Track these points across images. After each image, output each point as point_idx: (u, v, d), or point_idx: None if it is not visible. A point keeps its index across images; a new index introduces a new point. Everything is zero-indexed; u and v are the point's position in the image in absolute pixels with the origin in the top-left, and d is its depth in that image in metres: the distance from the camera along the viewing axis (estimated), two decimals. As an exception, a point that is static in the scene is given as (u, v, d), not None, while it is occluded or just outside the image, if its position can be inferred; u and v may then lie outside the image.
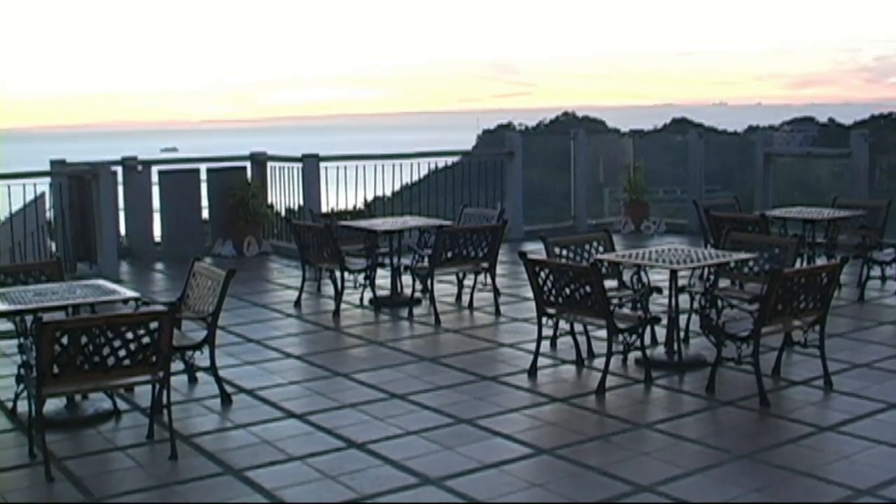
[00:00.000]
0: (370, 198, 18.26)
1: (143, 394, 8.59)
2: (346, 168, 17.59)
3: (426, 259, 12.23)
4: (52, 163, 16.47)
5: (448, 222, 13.28)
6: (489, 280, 12.27)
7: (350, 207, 16.65)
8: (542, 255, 10.24)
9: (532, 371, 9.34)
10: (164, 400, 7.49)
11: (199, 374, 9.06)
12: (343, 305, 12.29)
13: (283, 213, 18.09)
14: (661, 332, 9.96)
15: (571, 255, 10.44)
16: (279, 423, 8.12)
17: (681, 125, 37.38)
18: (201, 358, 8.67)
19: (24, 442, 7.72)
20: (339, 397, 8.77)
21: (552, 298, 9.16)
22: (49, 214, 16.43)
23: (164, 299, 11.65)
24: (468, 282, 12.63)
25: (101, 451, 7.74)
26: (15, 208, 15.69)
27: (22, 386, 8.25)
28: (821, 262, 12.46)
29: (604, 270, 9.63)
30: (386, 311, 12.37)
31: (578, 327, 9.62)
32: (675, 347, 9.46)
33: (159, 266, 16.52)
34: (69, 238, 15.94)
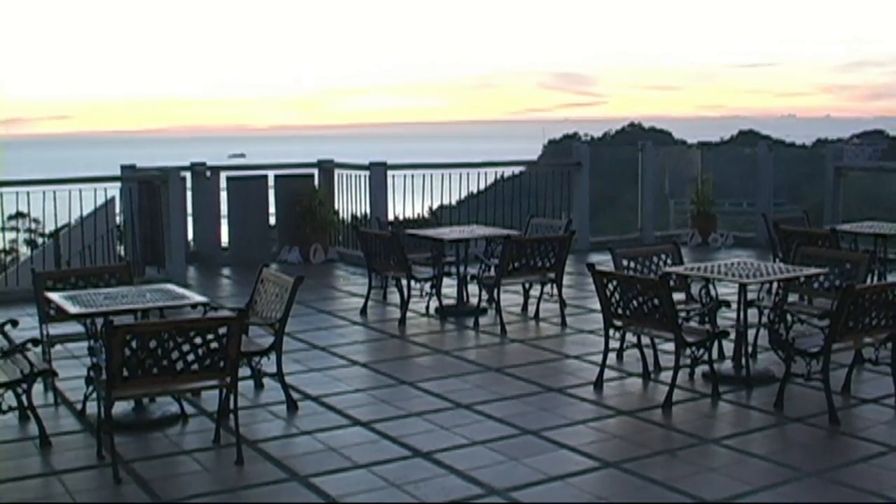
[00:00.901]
0: (435, 206, 18.28)
1: (210, 398, 8.63)
2: (413, 176, 17.60)
3: (493, 269, 12.21)
4: (123, 168, 16.66)
5: (515, 232, 13.25)
6: (555, 291, 12.21)
7: (415, 216, 16.68)
8: (610, 267, 10.19)
9: (598, 383, 9.29)
10: (231, 405, 7.53)
11: (266, 380, 9.10)
12: (409, 314, 12.29)
13: (349, 220, 18.15)
14: (728, 347, 9.85)
15: (639, 267, 10.38)
16: (345, 431, 8.13)
17: (749, 137, 37.19)
18: (268, 364, 8.70)
19: (92, 443, 7.80)
20: (405, 406, 8.77)
21: (619, 310, 9.10)
22: (118, 219, 16.61)
23: (230, 305, 11.73)
24: (534, 292, 12.59)
25: (168, 454, 7.79)
26: (86, 212, 15.89)
27: (91, 388, 8.32)
28: (892, 278, 12.29)
29: (672, 283, 9.55)
30: (451, 321, 12.35)
31: (645, 340, 9.56)
32: (743, 362, 9.37)
33: (226, 271, 16.63)
34: (138, 242, 16.10)
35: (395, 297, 12.93)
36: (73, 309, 7.95)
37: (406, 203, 17.48)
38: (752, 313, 10.09)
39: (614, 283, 9.11)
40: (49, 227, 16.98)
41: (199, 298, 8.46)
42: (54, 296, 8.51)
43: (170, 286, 9.06)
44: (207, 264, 16.83)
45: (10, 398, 7.88)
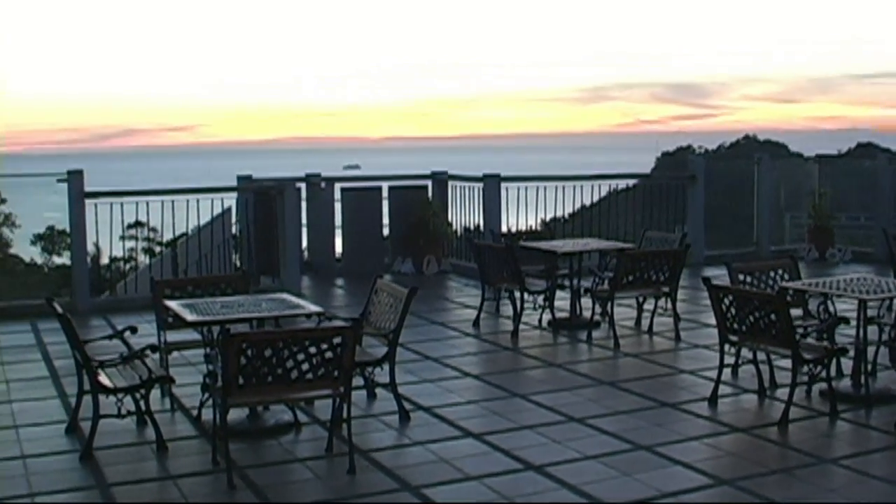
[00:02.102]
0: (547, 218, 18.24)
1: (322, 407, 8.70)
2: (527, 188, 17.58)
3: (606, 282, 12.14)
4: (239, 178, 16.91)
5: (629, 245, 13.16)
6: (670, 305, 12.10)
7: (527, 228, 16.66)
8: (725, 281, 10.06)
9: (713, 399, 9.17)
10: (345, 414, 7.57)
11: (378, 390, 9.14)
12: (521, 326, 12.26)
13: (461, 231, 18.19)
14: (847, 364, 9.67)
15: (755, 281, 10.24)
16: (456, 442, 8.13)
17: (868, 150, 36.54)
18: (381, 374, 8.75)
19: (207, 449, 7.90)
20: (517, 418, 8.74)
21: (735, 326, 8.98)
22: (234, 228, 16.84)
23: (343, 315, 11.80)
24: (648, 306, 12.50)
25: (281, 461, 7.87)
26: (203, 222, 16.13)
27: (207, 395, 8.46)
28: None
29: (789, 298, 9.40)
30: (564, 334, 12.30)
31: (761, 356, 9.43)
32: (863, 380, 9.18)
33: (339, 282, 16.78)
34: (253, 252, 16.30)
35: (507, 309, 12.91)
36: (190, 317, 8.06)
37: (518, 215, 17.48)
38: (872, 330, 9.87)
39: (730, 297, 8.99)
40: (167, 237, 17.26)
41: (313, 308, 8.52)
42: (172, 304, 8.65)
43: (285, 296, 9.15)
44: (321, 274, 16.98)
45: (128, 403, 8.04)
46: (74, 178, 14.19)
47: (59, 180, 14.21)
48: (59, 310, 8.20)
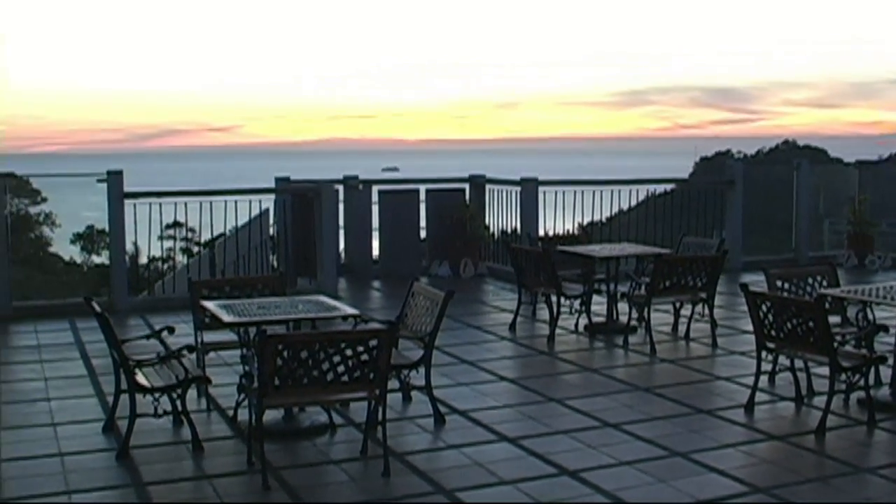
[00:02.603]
0: (584, 222, 18.22)
1: (357, 409, 8.71)
2: (564, 193, 17.57)
3: (643, 287, 12.10)
4: (277, 180, 16.97)
5: (666, 251, 13.11)
6: (706, 311, 12.05)
7: (563, 232, 16.63)
8: (763, 287, 10.00)
9: (749, 406, 9.12)
10: (380, 417, 7.58)
11: (413, 393, 9.15)
12: (557, 330, 12.24)
13: (498, 235, 18.18)
14: (886, 373, 9.61)
15: (793, 288, 10.18)
16: (491, 446, 8.12)
17: (909, 155, 36.29)
18: (416, 377, 8.76)
19: (242, 450, 7.93)
20: (552, 423, 8.72)
21: (773, 332, 8.93)
22: (272, 230, 16.91)
23: (380, 317, 11.83)
24: (685, 312, 12.45)
25: (316, 463, 7.89)
26: (240, 223, 16.21)
27: (243, 395, 8.50)
28: None
29: (827, 306, 9.34)
30: (601, 338, 12.28)
31: (798, 363, 9.36)
32: (901, 389, 9.11)
33: (376, 284, 16.81)
34: (290, 253, 16.37)
35: (543, 313, 12.90)
36: (227, 318, 8.09)
37: (555, 219, 17.45)
38: (911, 339, 9.83)
39: (768, 304, 8.94)
40: (204, 237, 17.34)
41: (350, 311, 8.54)
42: (209, 304, 8.68)
43: (322, 298, 9.17)
44: (358, 276, 17.02)
45: (165, 402, 8.08)
46: (114, 179, 14.29)
47: (98, 180, 14.31)
48: (98, 309, 8.25)
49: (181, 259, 20.84)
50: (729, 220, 18.40)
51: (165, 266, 20.73)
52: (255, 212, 16.39)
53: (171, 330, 8.87)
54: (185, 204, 15.30)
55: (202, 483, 7.46)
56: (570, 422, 8.76)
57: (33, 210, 44.07)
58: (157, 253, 18.72)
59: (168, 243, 19.47)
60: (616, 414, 8.97)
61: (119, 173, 14.33)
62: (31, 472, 7.60)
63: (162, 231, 17.57)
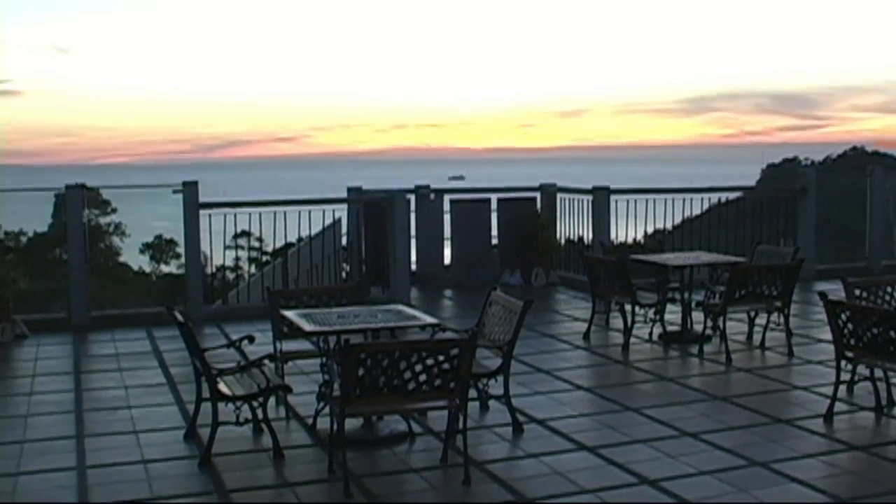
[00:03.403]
0: (650, 230, 18.16)
1: (435, 418, 8.76)
2: (635, 201, 17.51)
3: (718, 296, 12.03)
4: (349, 190, 17.06)
5: (741, 259, 13.02)
6: (781, 320, 11.96)
7: (634, 240, 16.59)
8: (839, 296, 9.91)
9: (828, 416, 9.04)
10: (460, 425, 7.60)
11: (490, 402, 9.17)
12: (632, 339, 12.22)
13: (568, 243, 18.15)
14: (968, 383, 9.49)
15: (871, 297, 10.08)
16: (570, 455, 8.12)
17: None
18: (494, 386, 8.78)
19: (322, 457, 8.01)
20: (630, 432, 8.71)
21: (852, 342, 8.86)
22: (344, 239, 17.00)
23: (452, 326, 11.85)
24: (759, 321, 12.36)
25: (396, 471, 7.94)
26: (311, 232, 16.31)
27: (322, 404, 8.57)
28: None
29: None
30: (675, 347, 12.23)
31: (878, 372, 9.28)
32: (985, 399, 9.00)
33: (447, 293, 16.85)
34: (363, 262, 16.45)
35: (617, 321, 12.88)
36: (308, 327, 8.16)
37: (626, 227, 17.41)
38: None
39: (847, 313, 8.87)
40: (273, 247, 17.49)
41: (429, 320, 8.57)
42: (290, 314, 8.76)
43: (400, 307, 9.23)
44: (429, 285, 17.06)
45: (245, 410, 8.16)
46: (189, 189, 14.46)
47: (174, 191, 14.48)
48: (180, 318, 8.35)
49: (249, 269, 21.03)
50: (802, 228, 18.22)
51: (233, 276, 20.92)
52: (325, 222, 16.47)
53: (251, 339, 8.95)
54: (258, 214, 15.42)
55: (284, 490, 7.54)
56: (648, 431, 8.74)
57: (103, 220, 44.55)
58: (224, 262, 18.83)
59: (236, 253, 19.64)
60: (693, 423, 8.94)
61: (194, 184, 14.50)
62: (116, 479, 7.72)
63: (231, 241, 17.69)
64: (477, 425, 8.82)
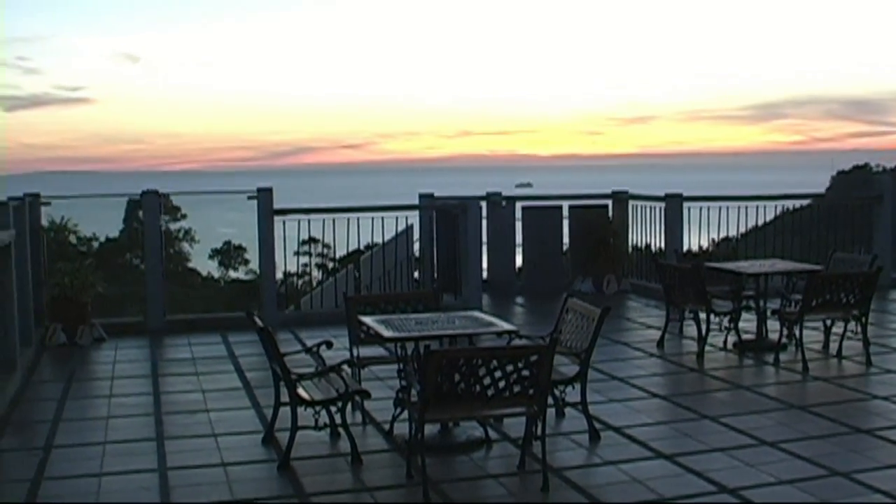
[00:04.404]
0: (717, 238, 18.03)
1: (511, 424, 8.76)
2: (703, 209, 17.37)
3: (794, 304, 11.93)
4: (421, 196, 17.11)
5: (818, 267, 12.90)
6: (859, 328, 11.84)
7: (708, 247, 16.50)
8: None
9: (909, 426, 8.94)
10: (538, 432, 7.61)
11: (566, 409, 9.16)
12: (706, 348, 12.14)
13: (641, 251, 18.09)
14: None
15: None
16: (648, 463, 8.09)
17: None
18: (570, 393, 8.77)
19: (400, 463, 8.05)
20: (708, 440, 8.66)
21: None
22: (416, 246, 17.04)
23: (525, 333, 11.86)
24: (835, 329, 12.22)
25: (474, 477, 7.96)
26: (379, 239, 16.37)
27: (399, 409, 8.60)
28: None
29: None
30: (750, 356, 12.13)
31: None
32: None
33: (518, 300, 16.85)
34: (435, 269, 16.49)
35: (691, 329, 12.79)
36: (387, 333, 8.20)
37: (690, 235, 17.29)
38: None
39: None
40: (340, 253, 17.56)
41: (507, 326, 8.57)
42: (368, 319, 8.80)
43: (477, 313, 9.26)
44: (501, 292, 17.07)
45: (322, 415, 8.22)
46: (264, 196, 14.58)
47: (249, 197, 14.61)
48: (260, 323, 8.43)
49: (316, 275, 21.14)
50: (877, 236, 17.99)
51: (300, 282, 21.02)
52: (394, 229, 16.52)
53: (329, 344, 9.01)
54: (326, 221, 15.50)
55: (363, 494, 7.58)
56: (726, 439, 8.68)
57: (173, 226, 45.02)
58: (289, 269, 18.96)
59: (298, 259, 19.73)
60: (771, 432, 8.86)
61: (269, 190, 14.62)
62: (197, 481, 7.81)
63: (298, 247, 17.77)
64: (553, 432, 8.80)
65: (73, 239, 14.86)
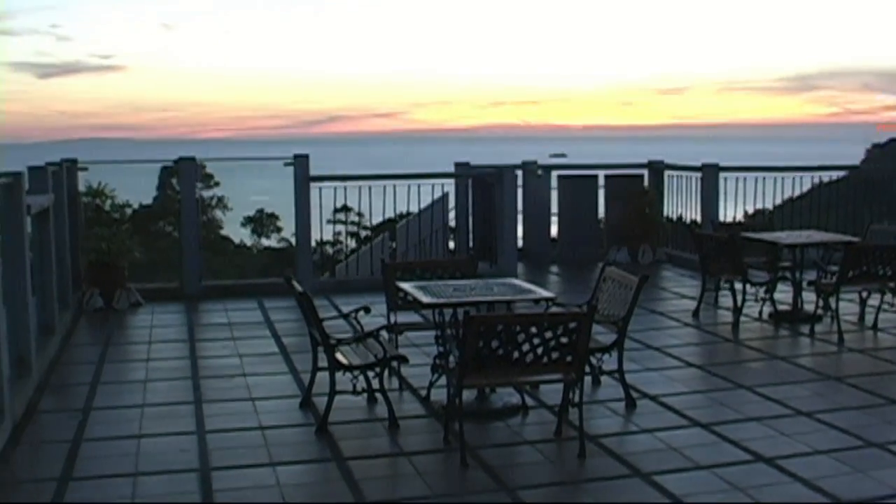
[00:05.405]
0: (750, 210, 17.98)
1: (547, 391, 8.81)
2: (744, 178, 17.32)
3: (830, 275, 11.90)
4: (457, 165, 17.11)
5: (856, 238, 12.84)
6: (895, 300, 11.79)
7: (731, 219, 16.47)
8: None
9: (946, 399, 8.91)
10: (575, 399, 7.63)
11: (602, 377, 9.18)
12: (741, 318, 12.13)
13: (673, 221, 18.05)
14: None
15: None
16: (684, 431, 8.11)
17: None
18: (607, 361, 8.79)
19: (437, 428, 8.10)
20: (743, 409, 8.65)
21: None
22: (451, 214, 17.06)
23: (561, 301, 11.88)
24: (872, 301, 12.18)
25: (511, 443, 7.98)
26: (413, 208, 16.41)
27: (436, 375, 8.65)
28: None
29: None
30: (785, 327, 12.11)
31: None
32: None
33: (554, 269, 16.86)
34: (470, 237, 16.51)
35: (726, 300, 12.78)
36: (425, 299, 8.22)
37: (723, 205, 17.23)
38: None
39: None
40: (375, 221, 17.59)
41: (545, 293, 8.57)
42: (406, 285, 8.82)
43: (515, 280, 9.28)
44: (535, 261, 17.08)
45: (360, 380, 8.27)
46: (300, 162, 14.62)
47: (285, 164, 14.65)
48: (299, 288, 8.47)
49: (350, 243, 21.20)
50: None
51: (332, 250, 21.08)
52: (432, 197, 16.54)
53: (367, 310, 9.04)
54: (360, 189, 15.51)
55: (400, 459, 7.62)
56: (762, 409, 8.68)
57: (206, 194, 45.17)
58: (324, 237, 19.00)
59: (337, 227, 19.80)
60: (807, 402, 8.85)
61: (305, 157, 14.65)
62: (235, 444, 7.86)
63: (330, 216, 17.82)
64: (589, 400, 8.80)
65: (108, 205, 14.92)
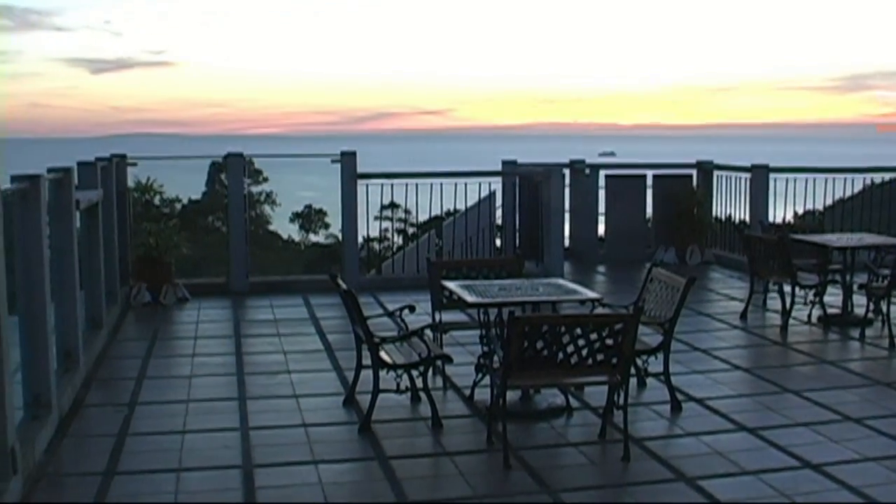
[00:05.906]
0: (800, 211, 17.80)
1: (592, 393, 8.74)
2: (794, 180, 17.12)
3: (882, 279, 11.74)
4: (504, 163, 17.06)
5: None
6: (949, 305, 11.63)
7: (780, 220, 16.32)
8: None
9: None
10: (620, 401, 7.57)
11: (647, 379, 9.11)
12: (790, 321, 12.00)
13: (720, 222, 17.91)
14: None
15: None
16: (730, 435, 8.02)
17: None
18: (653, 363, 8.72)
19: (480, 428, 8.06)
20: (791, 414, 8.55)
21: None
22: (499, 212, 17.00)
23: (607, 302, 11.81)
24: (924, 306, 12.01)
25: (555, 445, 7.94)
26: (460, 206, 16.35)
27: (480, 375, 8.61)
28: None
29: None
30: (835, 330, 11.98)
31: None
32: None
33: (600, 268, 16.78)
34: (517, 236, 16.45)
35: (774, 302, 12.65)
36: (470, 298, 8.19)
37: (773, 207, 17.07)
38: None
39: None
40: (421, 219, 17.56)
41: (590, 294, 8.53)
42: (451, 284, 8.80)
43: (560, 281, 9.23)
44: (582, 260, 17.02)
45: (404, 379, 8.25)
46: (347, 159, 14.62)
47: (333, 161, 14.66)
48: (344, 286, 8.47)
49: (396, 240, 21.18)
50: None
51: (379, 247, 21.07)
52: (479, 195, 16.49)
53: (412, 309, 9.02)
54: (408, 186, 15.48)
55: (443, 459, 7.59)
56: (810, 414, 8.57)
57: (255, 189, 45.37)
58: (370, 233, 19.01)
59: (384, 224, 19.77)
60: (856, 408, 8.73)
61: (352, 154, 14.66)
62: (278, 441, 7.87)
63: (377, 212, 17.79)
64: (634, 402, 8.71)
65: (157, 200, 15.00)
